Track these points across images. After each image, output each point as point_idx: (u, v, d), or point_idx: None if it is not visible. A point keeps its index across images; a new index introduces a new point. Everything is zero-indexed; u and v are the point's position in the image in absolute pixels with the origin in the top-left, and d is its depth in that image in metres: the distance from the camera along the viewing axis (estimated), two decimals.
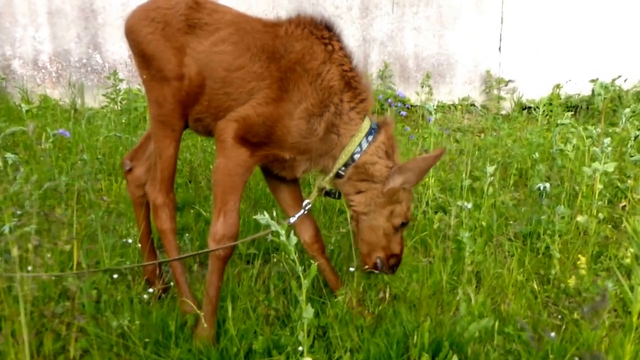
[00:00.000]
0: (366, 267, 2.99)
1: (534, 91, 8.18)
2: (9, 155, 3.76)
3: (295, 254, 2.32)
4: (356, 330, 2.83)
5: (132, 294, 2.92)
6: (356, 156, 2.80)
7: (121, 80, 6.56)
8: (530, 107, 7.96)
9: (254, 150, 2.70)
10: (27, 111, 5.18)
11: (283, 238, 2.31)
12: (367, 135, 2.81)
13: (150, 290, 3.01)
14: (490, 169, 4.12)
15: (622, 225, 4.23)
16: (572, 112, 7.51)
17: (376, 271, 2.99)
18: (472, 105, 8.19)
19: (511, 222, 4.17)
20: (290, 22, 2.80)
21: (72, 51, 7.65)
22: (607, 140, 4.13)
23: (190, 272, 3.31)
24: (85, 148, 4.81)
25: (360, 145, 2.80)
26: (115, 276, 3.06)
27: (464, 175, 4.60)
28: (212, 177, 2.76)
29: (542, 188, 4.08)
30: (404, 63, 8.26)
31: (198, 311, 2.67)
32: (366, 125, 2.83)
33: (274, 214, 2.87)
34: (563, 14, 8.08)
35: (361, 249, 2.98)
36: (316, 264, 2.45)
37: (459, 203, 3.83)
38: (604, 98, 7.07)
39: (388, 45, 8.17)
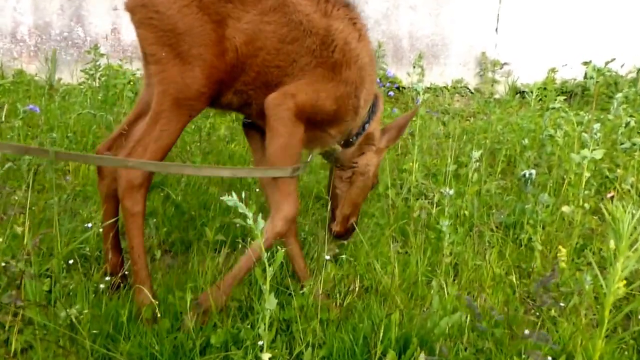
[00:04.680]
0: (343, 229, 3.22)
1: (530, 75, 7.98)
2: None
3: (262, 238, 2.18)
4: (321, 324, 2.70)
5: (87, 283, 2.78)
6: (366, 125, 3.07)
7: (102, 55, 6.35)
8: (524, 92, 7.77)
9: (307, 127, 2.78)
10: None
11: (250, 221, 2.15)
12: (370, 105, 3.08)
13: (107, 278, 2.84)
14: (476, 154, 3.97)
15: (609, 216, 4.08)
16: (566, 98, 7.33)
17: (343, 238, 3.29)
18: (466, 88, 8.00)
19: (494, 211, 4.02)
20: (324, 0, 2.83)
21: (53, 23, 7.39)
22: (597, 126, 3.97)
23: (153, 260, 3.14)
24: (57, 126, 4.63)
25: (368, 115, 3.05)
26: (70, 262, 2.90)
27: (449, 160, 4.45)
28: (269, 158, 2.73)
29: (527, 175, 3.93)
30: (397, 43, 8.05)
31: (153, 301, 2.54)
32: None
33: (243, 195, 2.72)
34: None
35: (346, 211, 3.20)
36: (283, 250, 2.30)
37: (442, 190, 3.70)
38: (597, 82, 6.87)
39: (382, 24, 7.95)
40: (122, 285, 2.92)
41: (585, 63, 7.34)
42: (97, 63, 6.21)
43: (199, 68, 2.54)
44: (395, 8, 7.92)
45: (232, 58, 2.60)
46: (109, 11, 7.47)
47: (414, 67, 7.57)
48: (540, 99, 7.12)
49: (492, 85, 8.01)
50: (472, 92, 8.01)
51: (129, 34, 7.41)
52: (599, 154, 3.84)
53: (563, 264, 3.20)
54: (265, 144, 2.76)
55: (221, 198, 2.18)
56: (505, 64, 8.07)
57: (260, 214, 2.14)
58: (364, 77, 2.89)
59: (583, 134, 4.05)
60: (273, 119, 2.67)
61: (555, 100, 5.07)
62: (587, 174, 3.90)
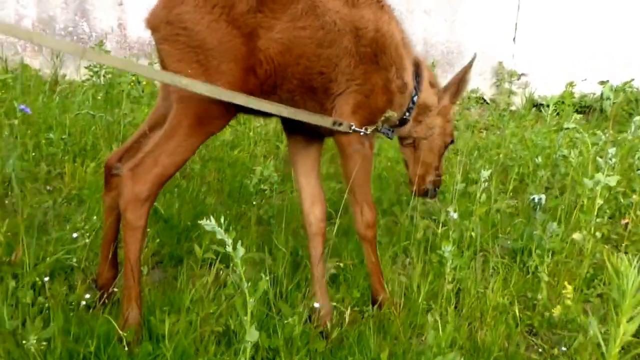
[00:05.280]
0: (420, 189, 3.36)
1: (548, 87, 7.76)
2: None
3: (242, 267, 2.04)
4: (309, 355, 2.56)
5: (68, 298, 2.66)
6: (415, 98, 3.04)
7: (107, 52, 6.24)
8: (541, 105, 7.56)
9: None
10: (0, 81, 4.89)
11: (229, 249, 2.03)
12: (414, 76, 3.03)
13: (87, 296, 2.71)
14: (485, 173, 3.80)
15: (622, 244, 3.91)
16: (584, 113, 7.10)
17: (426, 197, 3.46)
18: (481, 98, 7.80)
19: (501, 235, 3.85)
20: None
21: (57, 17, 7.25)
22: (612, 151, 3.78)
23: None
24: (55, 126, 4.51)
25: (414, 87, 3.01)
26: (46, 278, 2.75)
27: (458, 177, 4.28)
28: (347, 171, 2.86)
29: (536, 200, 3.77)
30: None
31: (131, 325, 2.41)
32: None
33: (222, 220, 2.53)
34: (587, 4, 7.61)
35: (419, 172, 3.30)
36: (266, 278, 2.19)
37: (448, 209, 3.55)
38: (613, 103, 6.64)
39: None
40: (106, 301, 2.79)
41: (602, 83, 7.09)
42: None
43: (228, 85, 2.41)
44: (409, 12, 7.72)
45: (268, 70, 2.50)
46: (114, 6, 7.34)
47: None
48: (558, 113, 6.91)
49: (508, 97, 7.81)
50: (487, 103, 7.81)
51: (134, 30, 7.29)
52: (613, 181, 3.64)
53: (568, 302, 3.03)
54: (343, 168, 2.95)
55: (199, 222, 2.05)
56: (522, 74, 7.88)
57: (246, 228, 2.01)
58: (402, 56, 2.88)
59: (598, 158, 3.87)
60: (340, 138, 2.82)
61: (571, 119, 4.87)
62: (599, 201, 3.71)
